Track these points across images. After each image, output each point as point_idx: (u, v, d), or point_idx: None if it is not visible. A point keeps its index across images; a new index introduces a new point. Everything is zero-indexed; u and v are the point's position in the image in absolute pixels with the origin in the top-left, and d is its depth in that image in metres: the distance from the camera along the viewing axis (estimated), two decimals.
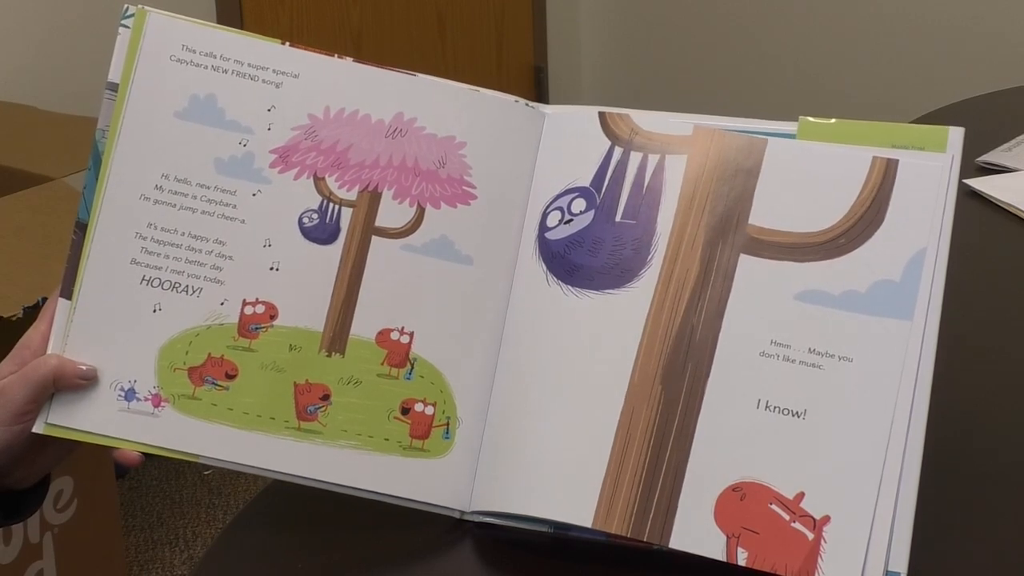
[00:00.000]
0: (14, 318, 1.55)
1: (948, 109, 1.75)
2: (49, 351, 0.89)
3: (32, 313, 1.52)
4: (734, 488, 0.85)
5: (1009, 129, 1.66)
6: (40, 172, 1.91)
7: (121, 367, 0.89)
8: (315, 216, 0.90)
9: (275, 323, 0.90)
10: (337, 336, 0.90)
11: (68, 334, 0.89)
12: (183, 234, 0.89)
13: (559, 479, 0.87)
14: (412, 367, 0.90)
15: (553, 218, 0.91)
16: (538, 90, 3.56)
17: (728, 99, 3.36)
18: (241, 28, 2.94)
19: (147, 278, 0.89)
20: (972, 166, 1.55)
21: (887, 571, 0.82)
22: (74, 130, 2.02)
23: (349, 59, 0.92)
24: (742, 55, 3.40)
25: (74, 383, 0.88)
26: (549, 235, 0.91)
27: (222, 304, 0.89)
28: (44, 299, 1.44)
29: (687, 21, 3.49)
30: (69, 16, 2.52)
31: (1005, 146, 1.60)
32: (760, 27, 3.36)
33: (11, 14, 2.45)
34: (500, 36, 3.50)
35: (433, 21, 3.33)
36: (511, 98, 0.93)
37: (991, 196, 1.47)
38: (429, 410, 0.90)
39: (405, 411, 0.90)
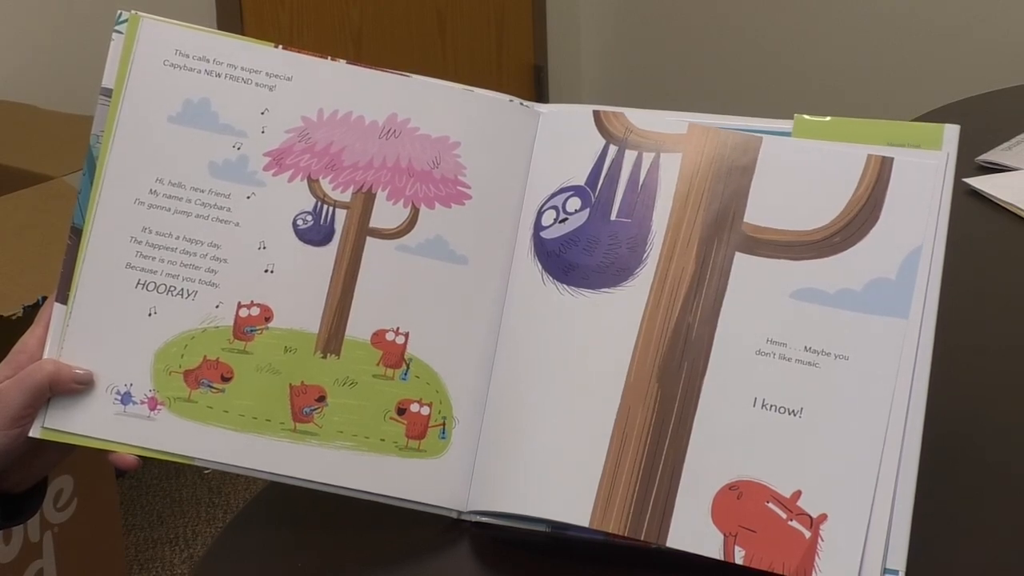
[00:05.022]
0: (14, 317, 1.55)
1: (947, 108, 1.75)
2: (45, 355, 0.89)
3: (32, 312, 1.53)
4: (731, 487, 0.85)
5: (1009, 128, 1.66)
6: (40, 171, 1.91)
7: (117, 371, 0.89)
8: (309, 218, 0.90)
9: (270, 325, 0.90)
10: (332, 337, 0.90)
11: (64, 338, 0.89)
12: (178, 238, 0.90)
13: (556, 478, 0.87)
14: (408, 367, 0.90)
15: (548, 217, 0.91)
16: (538, 90, 3.56)
17: (728, 99, 3.35)
18: (241, 27, 2.94)
19: (142, 282, 0.90)
20: (972, 165, 1.55)
21: (885, 569, 0.82)
22: (74, 129, 2.02)
23: (342, 61, 0.92)
24: (741, 55, 3.40)
25: (70, 387, 0.88)
26: (544, 234, 0.91)
27: (217, 307, 0.90)
28: (44, 298, 1.45)
29: (686, 21, 3.49)
30: (69, 16, 2.52)
31: (1005, 145, 1.60)
32: (759, 27, 3.35)
33: (11, 14, 2.45)
34: (500, 36, 3.50)
35: (433, 20, 3.33)
36: (505, 97, 0.93)
37: (991, 195, 1.47)
38: (425, 410, 0.90)
39: (401, 411, 0.90)
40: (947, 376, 0.87)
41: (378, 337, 0.90)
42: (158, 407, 0.89)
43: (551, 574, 0.88)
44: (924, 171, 0.86)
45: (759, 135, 0.89)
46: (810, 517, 0.83)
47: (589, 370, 0.88)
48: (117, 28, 0.90)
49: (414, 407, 0.90)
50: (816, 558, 0.83)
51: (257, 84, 0.91)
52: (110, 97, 0.90)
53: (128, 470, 0.90)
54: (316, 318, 0.90)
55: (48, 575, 1.77)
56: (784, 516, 0.84)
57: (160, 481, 2.46)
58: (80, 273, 0.89)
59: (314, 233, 0.90)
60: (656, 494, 0.85)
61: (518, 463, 0.89)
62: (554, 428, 0.88)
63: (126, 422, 0.89)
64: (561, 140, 0.92)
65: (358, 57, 0.88)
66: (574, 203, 0.91)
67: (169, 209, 0.90)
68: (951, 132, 0.87)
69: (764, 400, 0.85)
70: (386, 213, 0.91)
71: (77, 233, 0.90)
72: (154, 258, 0.90)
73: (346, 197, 0.91)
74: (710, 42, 3.46)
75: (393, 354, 0.90)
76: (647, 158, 0.90)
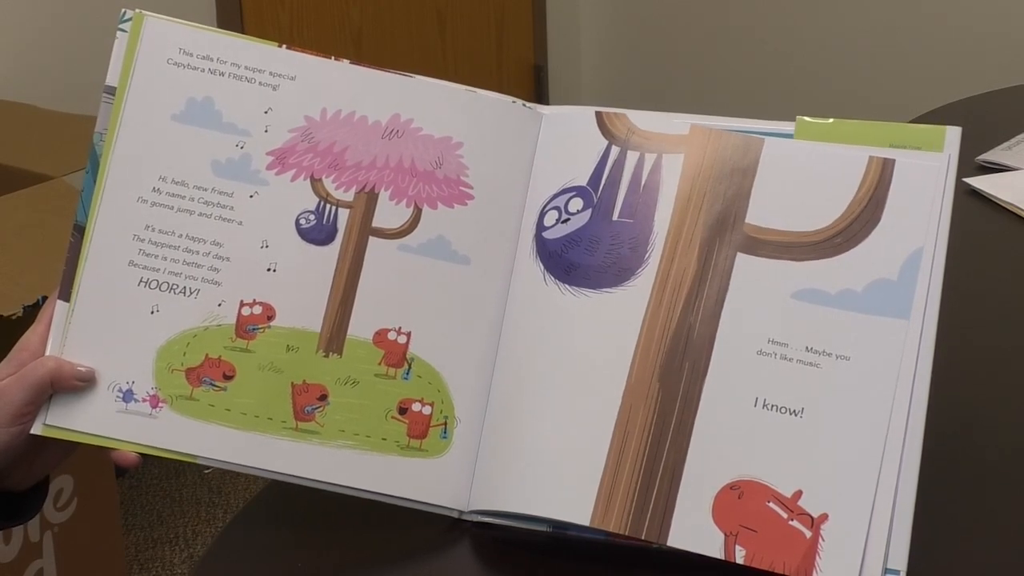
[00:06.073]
0: (14, 316, 1.55)
1: (948, 108, 1.75)
2: (47, 353, 0.89)
3: (32, 312, 1.53)
4: (732, 486, 0.85)
5: (1009, 128, 1.66)
6: (40, 171, 1.91)
7: (119, 368, 0.89)
8: (312, 217, 0.91)
9: (272, 324, 0.90)
10: (334, 336, 0.90)
11: (66, 336, 0.89)
12: (180, 236, 0.90)
13: (557, 477, 0.88)
14: (409, 367, 0.91)
15: (550, 217, 0.91)
16: (538, 90, 3.56)
17: (728, 99, 3.36)
18: (241, 27, 2.94)
19: (145, 280, 0.90)
20: (972, 165, 1.55)
21: (886, 569, 0.82)
22: (74, 129, 2.02)
23: (345, 61, 0.92)
24: (742, 55, 3.40)
25: (72, 384, 0.88)
26: (546, 234, 0.91)
27: (219, 305, 0.90)
28: (44, 298, 1.44)
29: (687, 21, 3.49)
30: (69, 15, 2.52)
31: (1005, 145, 1.61)
32: (760, 27, 3.36)
33: (10, 13, 2.45)
34: (500, 36, 3.50)
35: (433, 20, 3.33)
36: (508, 99, 0.93)
37: (991, 195, 1.47)
38: (427, 410, 0.90)
39: (403, 411, 0.90)
40: (948, 376, 0.87)
41: (380, 336, 0.91)
42: (160, 405, 0.89)
43: (551, 574, 0.88)
44: (926, 173, 0.86)
45: (761, 137, 0.89)
46: (811, 517, 0.84)
47: (590, 370, 0.88)
48: (121, 27, 0.91)
49: (416, 406, 0.90)
50: (817, 558, 0.83)
51: (260, 83, 0.91)
52: (114, 95, 0.90)
53: (129, 468, 0.90)
54: (318, 317, 0.90)
55: (48, 575, 1.77)
56: (785, 516, 0.84)
57: (160, 481, 2.46)
58: (83, 271, 0.89)
59: (317, 232, 0.91)
60: (657, 493, 0.85)
61: (519, 463, 0.89)
62: (555, 428, 0.88)
63: (128, 420, 0.89)
64: (563, 141, 0.92)
65: (358, 57, 0.88)
66: (576, 203, 0.91)
67: (172, 207, 0.90)
68: (953, 135, 0.87)
69: (765, 400, 0.86)
70: (389, 213, 0.91)
71: (80, 231, 0.90)
72: (157, 256, 0.90)
73: (349, 197, 0.91)
74: (710, 42, 3.46)
75: (395, 353, 0.90)
76: (649, 159, 0.90)
